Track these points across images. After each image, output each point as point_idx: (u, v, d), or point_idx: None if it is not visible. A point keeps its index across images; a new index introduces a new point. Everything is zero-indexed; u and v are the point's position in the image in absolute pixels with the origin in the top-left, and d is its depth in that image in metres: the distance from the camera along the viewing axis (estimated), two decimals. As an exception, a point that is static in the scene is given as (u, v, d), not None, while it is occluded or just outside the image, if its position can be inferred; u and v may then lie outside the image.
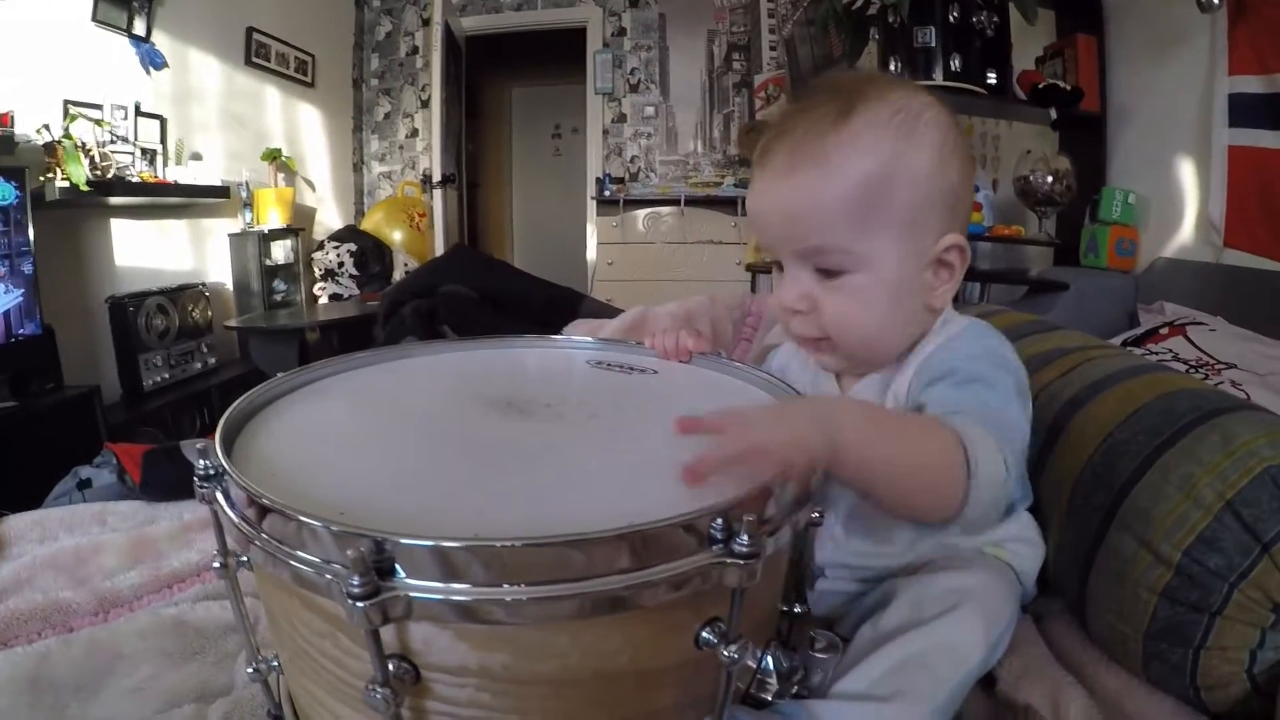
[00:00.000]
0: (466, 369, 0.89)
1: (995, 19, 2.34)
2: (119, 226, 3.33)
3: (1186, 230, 2.24)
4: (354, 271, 4.56)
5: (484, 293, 1.91)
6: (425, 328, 1.81)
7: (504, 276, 2.08)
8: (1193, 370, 1.46)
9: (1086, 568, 0.79)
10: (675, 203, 4.99)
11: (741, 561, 0.47)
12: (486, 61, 6.32)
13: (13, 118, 2.63)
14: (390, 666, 0.47)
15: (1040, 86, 2.46)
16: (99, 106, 3.09)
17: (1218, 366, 1.45)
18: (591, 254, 5.34)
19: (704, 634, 0.51)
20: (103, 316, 3.12)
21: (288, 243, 4.29)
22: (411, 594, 0.44)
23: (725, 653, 0.50)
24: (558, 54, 5.87)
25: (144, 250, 3.47)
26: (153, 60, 3.43)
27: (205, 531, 1.19)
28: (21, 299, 2.52)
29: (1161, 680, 0.73)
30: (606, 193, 5.17)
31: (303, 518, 0.47)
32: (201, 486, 0.57)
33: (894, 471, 0.60)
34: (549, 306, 1.92)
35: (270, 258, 4.15)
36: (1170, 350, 1.56)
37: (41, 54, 2.87)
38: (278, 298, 4.22)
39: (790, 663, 0.60)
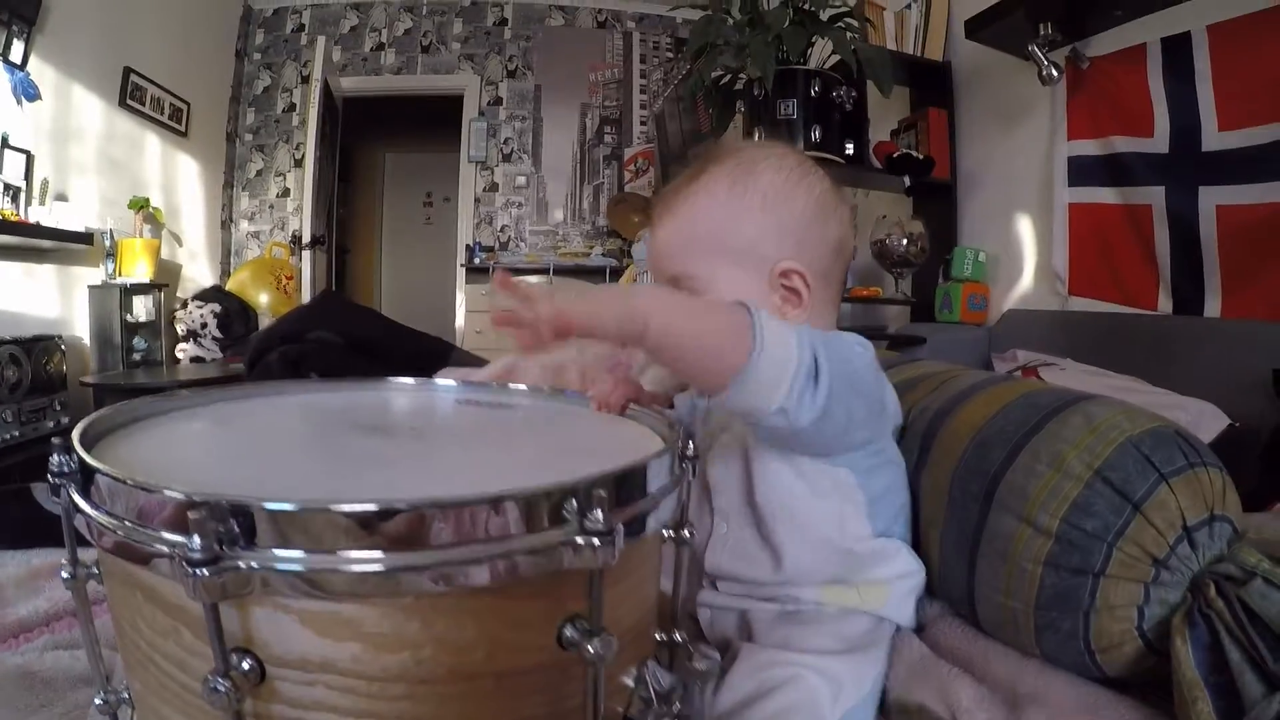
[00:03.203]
0: (335, 402, 0.88)
1: (854, 93, 2.49)
2: (-25, 265, 3.06)
3: (1033, 282, 2.41)
4: (217, 334, 4.35)
5: (352, 340, 1.87)
6: (292, 375, 1.75)
7: (373, 324, 2.04)
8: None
9: (972, 554, 0.82)
10: (545, 272, 5.07)
11: (596, 540, 0.45)
12: (362, 124, 6.26)
13: None
14: (233, 660, 0.44)
15: (895, 156, 2.63)
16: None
17: None
18: (460, 321, 5.32)
19: (566, 632, 0.49)
20: None
21: (150, 298, 4.05)
22: (254, 564, 0.41)
23: (589, 649, 0.48)
24: (433, 121, 5.89)
25: (1, 294, 3.23)
26: (25, 91, 3.23)
27: (54, 579, 1.12)
28: None
29: (1055, 651, 0.75)
30: (477, 260, 5.19)
31: (152, 489, 0.44)
32: (55, 486, 0.53)
33: (685, 334, 0.66)
34: (418, 355, 1.89)
35: (132, 313, 3.91)
36: (1021, 379, 1.70)
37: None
38: (137, 356, 3.97)
39: (668, 682, 0.57)
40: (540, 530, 0.46)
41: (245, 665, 0.45)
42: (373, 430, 0.73)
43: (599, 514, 0.46)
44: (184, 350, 4.33)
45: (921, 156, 2.62)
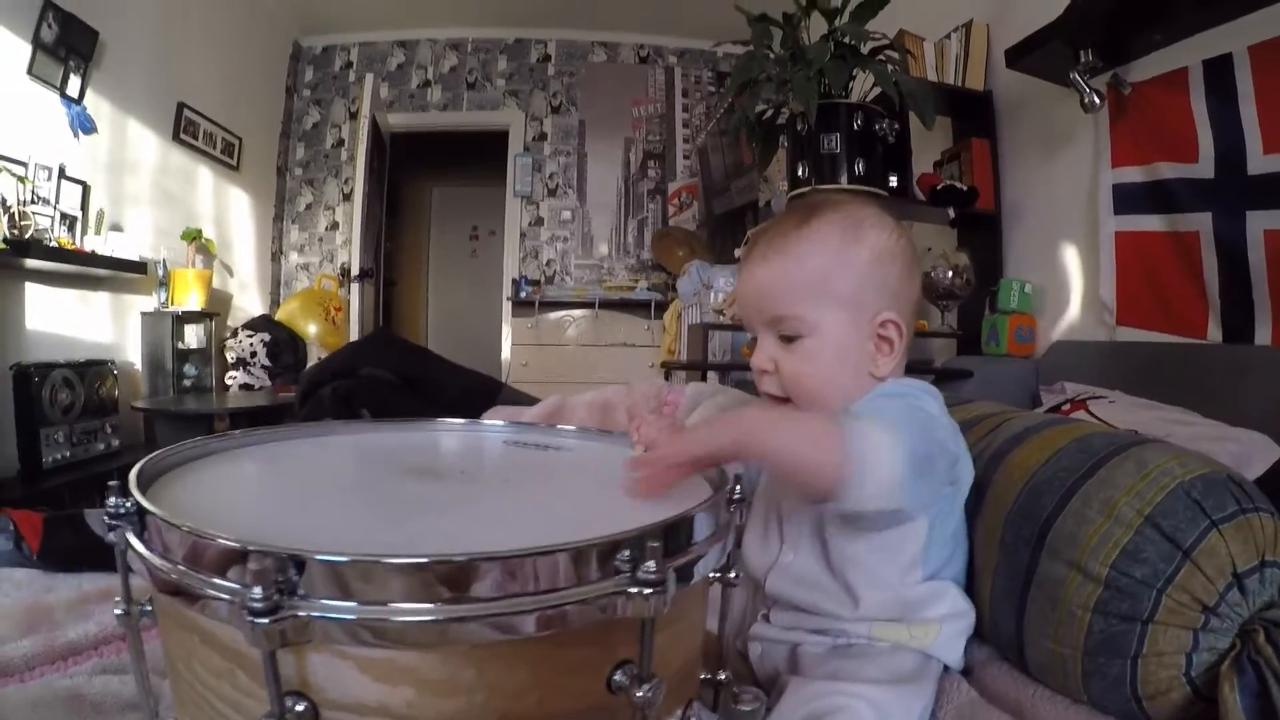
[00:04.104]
0: (384, 443, 0.91)
1: (896, 126, 2.47)
2: (32, 291, 3.17)
3: (1080, 313, 2.36)
4: (266, 362, 4.43)
5: (403, 377, 1.90)
6: (343, 410, 1.78)
7: (424, 362, 2.07)
8: (1096, 439, 1.55)
9: (1022, 599, 0.83)
10: (590, 305, 5.07)
11: (648, 590, 0.46)
12: (410, 159, 6.39)
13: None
14: (288, 702, 0.45)
15: (939, 188, 2.60)
16: (23, 164, 2.98)
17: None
18: (506, 354, 5.34)
19: (616, 676, 0.50)
20: (5, 384, 2.93)
21: (202, 326, 4.16)
22: (313, 613, 0.43)
23: (638, 694, 0.48)
24: (479, 156, 5.99)
25: (56, 319, 3.30)
26: (82, 124, 3.34)
27: (104, 603, 1.14)
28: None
29: (1102, 697, 0.75)
30: (523, 294, 5.21)
31: (207, 538, 0.46)
32: (112, 526, 0.54)
33: (783, 452, 0.71)
34: (468, 393, 1.92)
35: (183, 340, 4.01)
36: (1075, 419, 1.66)
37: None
38: (187, 382, 4.06)
39: (713, 723, 0.58)
40: (591, 581, 0.47)
41: (299, 708, 0.46)
42: (423, 474, 0.76)
43: (651, 564, 0.47)
44: (233, 377, 4.42)
45: (965, 188, 2.59)
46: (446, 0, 5.30)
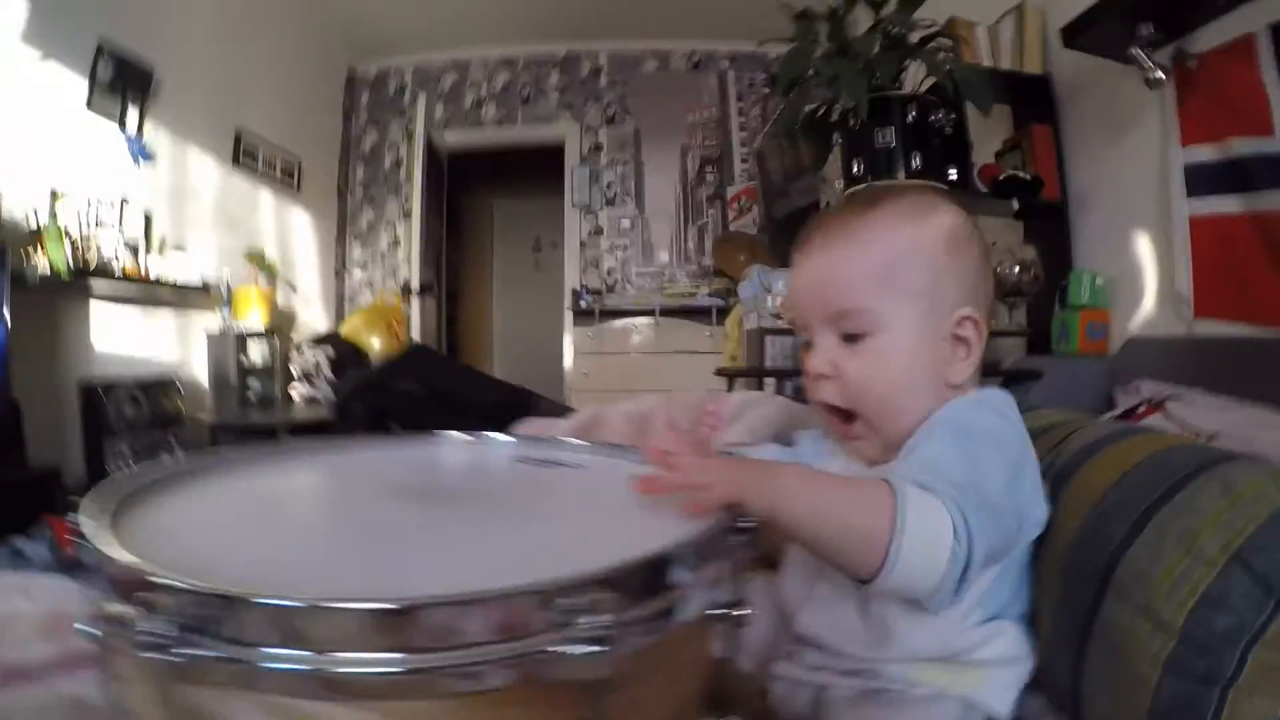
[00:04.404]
0: (385, 460, 0.88)
1: (953, 116, 2.40)
2: (99, 311, 3.30)
3: (1156, 306, 2.23)
4: (330, 376, 4.52)
5: (435, 391, 1.91)
6: (374, 424, 1.81)
7: (456, 375, 2.09)
8: (1176, 444, 1.43)
9: (1081, 645, 0.70)
10: (650, 313, 5.03)
11: (590, 648, 0.40)
12: (470, 176, 6.48)
13: (0, 197, 2.66)
14: None
15: (1001, 178, 2.50)
16: (86, 194, 3.12)
17: (1200, 437, 1.41)
18: (568, 363, 5.34)
19: None
20: (73, 400, 3.10)
21: (265, 343, 4.28)
22: (205, 652, 0.40)
23: None
24: (538, 169, 6.03)
25: (122, 338, 3.44)
26: (141, 154, 3.47)
27: None
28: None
29: None
30: (583, 304, 5.20)
31: (113, 562, 0.45)
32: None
33: (820, 529, 0.63)
34: (500, 406, 1.92)
35: (247, 357, 4.13)
36: (1151, 429, 1.55)
37: (35, 136, 2.90)
38: (252, 397, 4.18)
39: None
40: (523, 637, 0.40)
41: None
42: (408, 494, 0.72)
43: (590, 620, 0.40)
44: (298, 391, 4.53)
45: (1029, 177, 2.48)
46: (497, 18, 5.34)
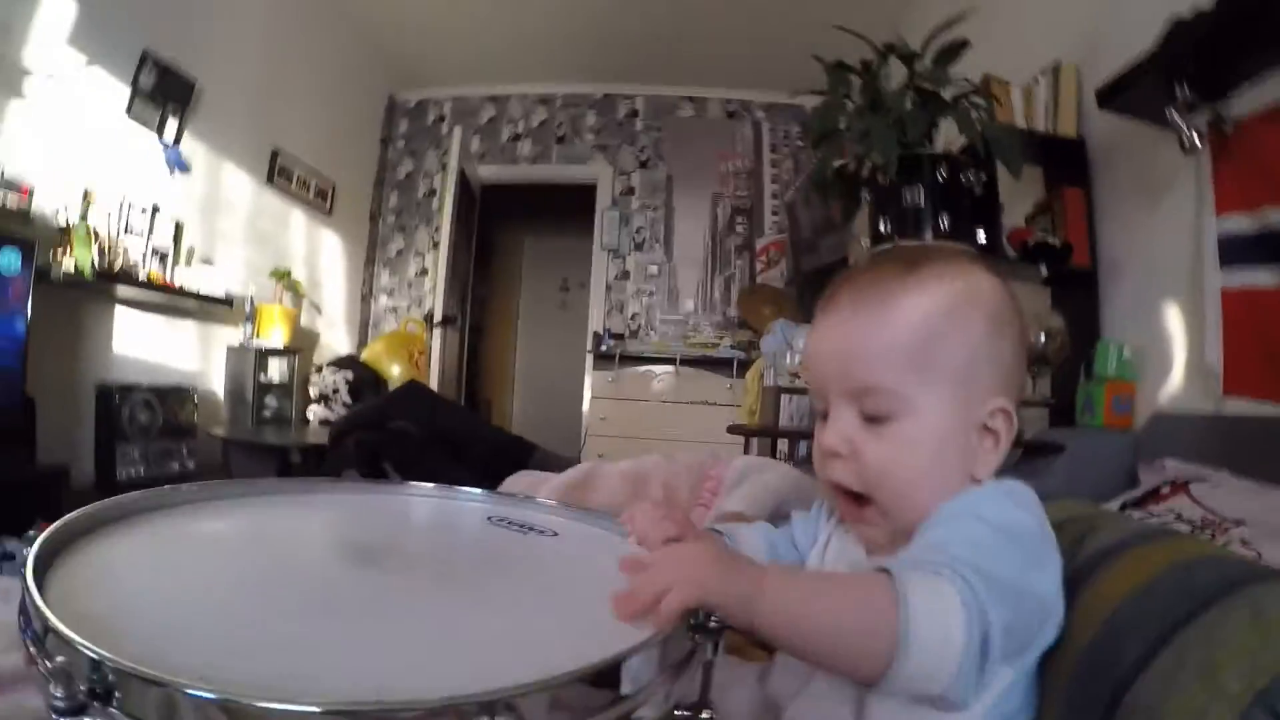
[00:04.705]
0: (351, 511, 0.85)
1: (983, 176, 2.37)
2: (121, 316, 3.33)
3: (1184, 380, 2.17)
4: (348, 399, 4.52)
5: (432, 432, 1.89)
6: (367, 462, 1.78)
7: (454, 418, 2.07)
8: (1198, 531, 1.34)
9: None
10: (671, 361, 5.02)
11: None
12: (503, 210, 6.55)
13: (32, 193, 2.70)
14: None
15: (1030, 243, 2.46)
16: (118, 199, 3.16)
17: (1225, 525, 1.33)
18: (586, 406, 5.32)
19: None
20: (89, 401, 3.12)
21: (285, 361, 4.30)
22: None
23: None
24: (570, 208, 6.09)
25: (142, 344, 3.46)
26: (178, 164, 3.52)
27: None
28: (8, 367, 2.50)
29: None
30: (604, 347, 5.20)
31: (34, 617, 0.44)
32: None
33: (810, 635, 0.58)
34: (497, 453, 1.90)
35: (266, 374, 4.15)
36: (1173, 511, 1.46)
37: (72, 138, 2.95)
38: (268, 414, 4.18)
39: None
40: None
41: None
42: (362, 555, 0.69)
43: None
44: (314, 412, 4.53)
45: (1059, 243, 2.44)
46: (537, 56, 5.43)
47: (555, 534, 0.80)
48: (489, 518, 0.85)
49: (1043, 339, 2.44)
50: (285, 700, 0.36)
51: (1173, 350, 2.21)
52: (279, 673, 0.43)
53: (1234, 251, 1.93)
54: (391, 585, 0.62)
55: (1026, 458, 2.28)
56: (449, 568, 0.70)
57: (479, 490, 0.93)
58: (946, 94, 2.22)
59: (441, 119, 5.86)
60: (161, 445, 3.40)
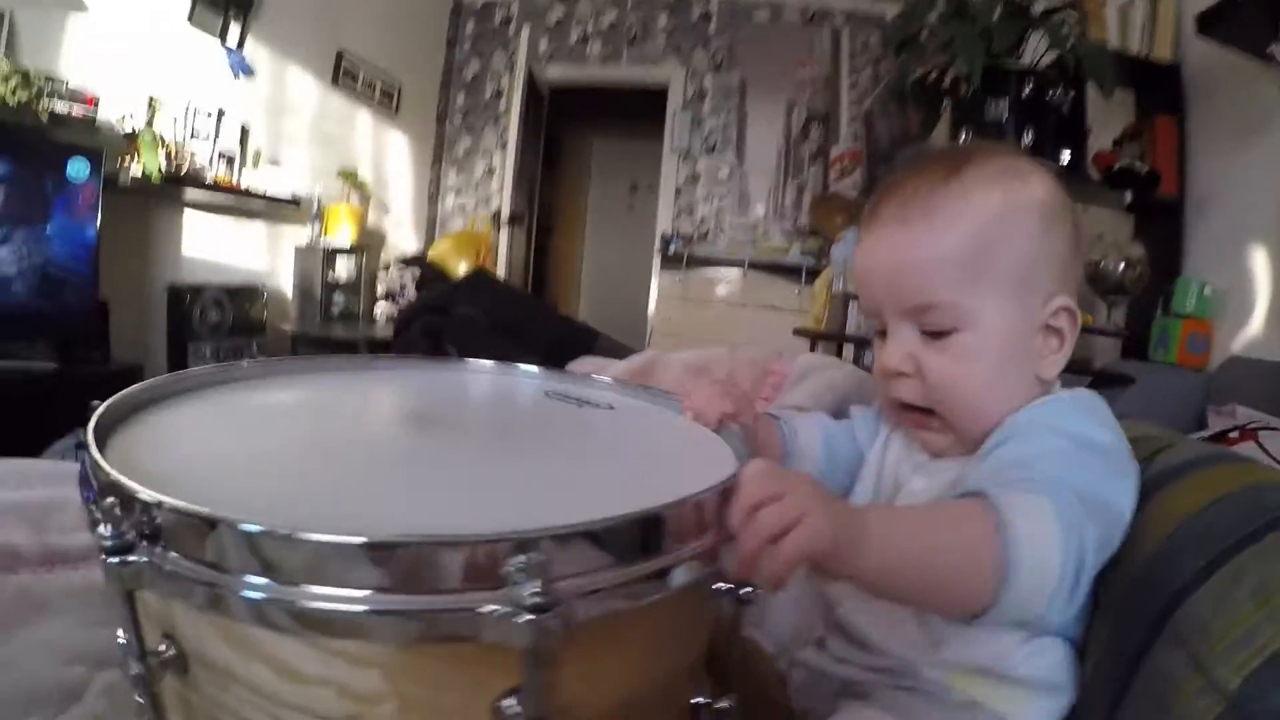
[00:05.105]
0: (411, 384, 0.88)
1: (1072, 95, 2.26)
2: (190, 219, 3.41)
3: (1264, 325, 2.09)
4: (414, 295, 4.62)
5: (496, 319, 1.89)
6: (431, 346, 1.80)
7: (519, 306, 2.07)
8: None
9: (1122, 690, 0.61)
10: (739, 265, 4.99)
11: (525, 616, 0.37)
12: (571, 112, 6.45)
13: (98, 102, 2.74)
14: (160, 645, 0.45)
15: (1115, 169, 2.37)
16: (184, 104, 3.21)
17: None
18: (652, 309, 5.33)
19: (504, 704, 0.41)
20: (160, 301, 3.24)
21: (352, 260, 4.38)
22: (164, 564, 0.40)
23: None
24: (639, 111, 5.94)
25: (211, 245, 3.55)
26: (241, 68, 3.54)
27: None
28: (80, 272, 2.59)
29: None
30: (672, 249, 5.17)
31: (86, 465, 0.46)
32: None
33: (913, 579, 0.55)
34: (560, 341, 1.88)
35: (334, 272, 4.24)
36: (1249, 457, 1.44)
37: (135, 48, 2.98)
38: (336, 311, 4.29)
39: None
40: (455, 591, 0.39)
41: (170, 652, 0.45)
42: (418, 419, 0.72)
43: (527, 586, 0.37)
44: (381, 308, 4.64)
45: (1146, 170, 2.34)
46: (609, -48, 5.22)
47: (611, 408, 0.81)
48: (546, 392, 0.85)
49: (1121, 267, 2.37)
50: (329, 532, 0.38)
51: (1254, 293, 2.13)
52: (328, 514, 0.45)
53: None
54: (447, 446, 0.64)
55: (1095, 387, 2.22)
56: (503, 433, 0.72)
57: (537, 368, 0.93)
58: (1037, 6, 2.11)
59: (509, 20, 5.71)
60: (232, 343, 3.52)
